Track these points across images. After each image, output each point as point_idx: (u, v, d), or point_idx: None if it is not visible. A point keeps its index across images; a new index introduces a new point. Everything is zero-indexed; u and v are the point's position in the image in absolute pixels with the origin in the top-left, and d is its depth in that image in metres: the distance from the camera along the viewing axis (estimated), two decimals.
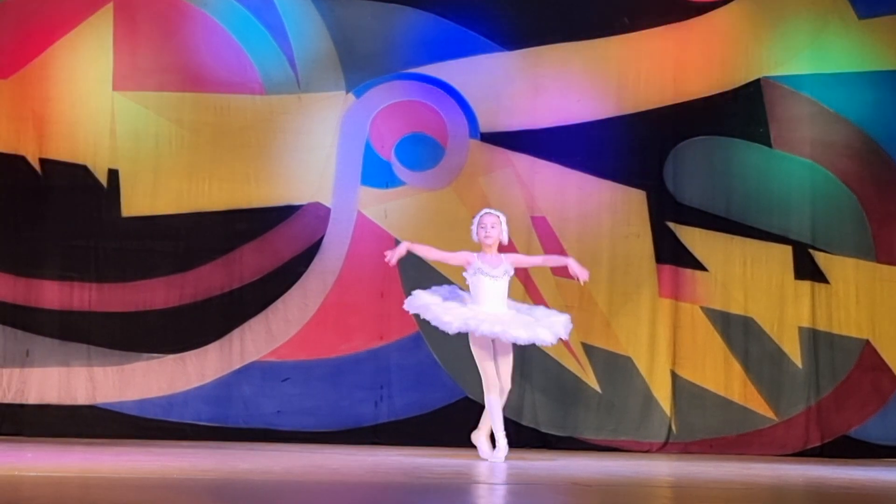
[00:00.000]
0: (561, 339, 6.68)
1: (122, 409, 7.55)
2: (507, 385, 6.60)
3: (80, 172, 7.64)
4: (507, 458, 6.52)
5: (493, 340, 6.45)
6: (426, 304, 6.54)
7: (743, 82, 8.11)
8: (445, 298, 6.61)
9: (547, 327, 6.53)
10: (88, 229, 7.63)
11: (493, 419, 6.54)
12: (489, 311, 6.50)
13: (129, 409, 7.55)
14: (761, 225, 8.06)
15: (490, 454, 6.55)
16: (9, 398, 7.49)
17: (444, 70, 7.93)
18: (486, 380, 6.51)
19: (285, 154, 7.83)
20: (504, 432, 6.55)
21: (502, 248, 6.77)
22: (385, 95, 7.89)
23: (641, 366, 7.90)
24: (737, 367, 7.94)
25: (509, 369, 6.58)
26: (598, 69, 8.06)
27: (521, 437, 7.73)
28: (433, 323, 6.55)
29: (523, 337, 6.44)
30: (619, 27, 8.07)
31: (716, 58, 8.11)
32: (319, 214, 7.79)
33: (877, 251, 8.08)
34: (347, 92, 7.87)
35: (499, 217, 6.72)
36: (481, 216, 6.73)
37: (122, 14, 7.69)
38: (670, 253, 7.99)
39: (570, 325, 6.65)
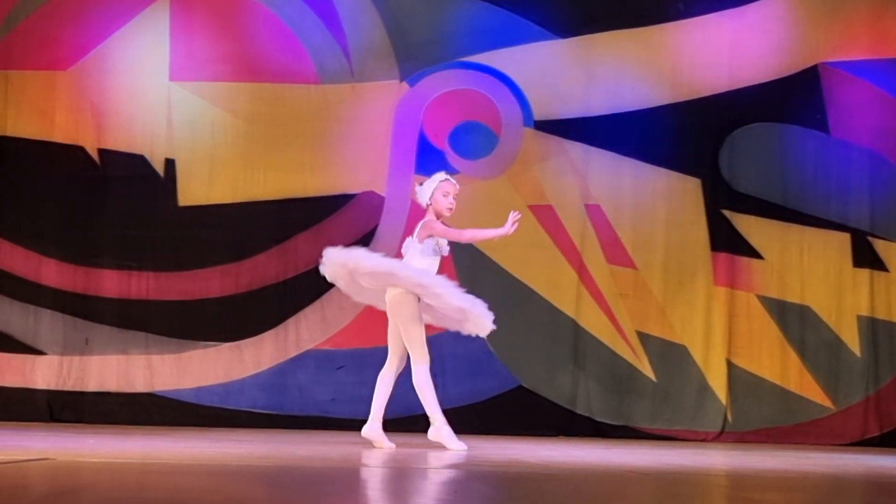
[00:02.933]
0: None
1: (179, 396, 7.64)
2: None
3: (137, 162, 7.73)
4: (560, 445, 6.48)
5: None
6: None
7: (800, 68, 8.01)
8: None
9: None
10: (146, 219, 7.73)
11: (427, 397, 5.98)
12: None
13: (187, 396, 7.64)
14: (819, 212, 7.97)
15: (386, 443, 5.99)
16: (69, 385, 7.61)
17: (497, 58, 7.92)
18: (422, 349, 5.97)
19: (339, 143, 7.86)
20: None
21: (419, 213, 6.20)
22: (439, 84, 7.90)
23: (696, 354, 7.85)
24: (793, 356, 7.86)
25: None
26: (653, 56, 8.00)
27: (576, 425, 7.72)
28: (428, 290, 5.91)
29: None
30: (674, 14, 8.00)
31: (772, 44, 8.01)
32: (373, 203, 7.81)
33: None
34: (401, 81, 7.88)
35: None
36: (448, 182, 6.06)
37: (178, 5, 7.77)
38: (725, 241, 7.92)
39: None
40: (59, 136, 7.73)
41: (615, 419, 7.78)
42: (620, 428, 7.75)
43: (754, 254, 7.94)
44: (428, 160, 7.87)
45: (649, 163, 7.95)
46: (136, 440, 5.92)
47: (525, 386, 7.77)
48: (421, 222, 6.03)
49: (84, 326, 7.65)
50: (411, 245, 6.00)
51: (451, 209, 6.03)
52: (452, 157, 7.88)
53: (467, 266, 7.78)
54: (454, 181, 6.09)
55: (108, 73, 7.76)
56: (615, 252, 7.87)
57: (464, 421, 7.62)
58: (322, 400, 7.71)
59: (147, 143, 7.75)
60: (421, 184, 6.10)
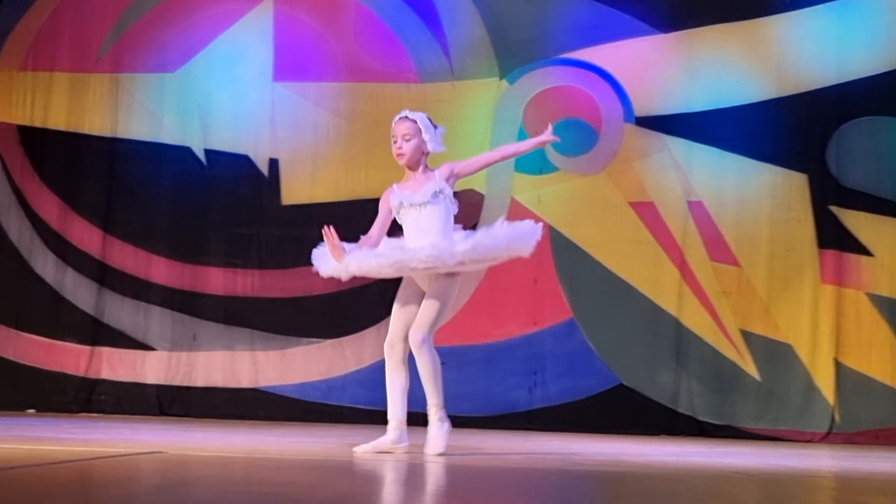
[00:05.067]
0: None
1: (283, 392, 7.76)
2: (412, 344, 4.90)
3: (242, 162, 7.89)
4: (662, 444, 6.40)
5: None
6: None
7: None
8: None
9: (437, 247, 4.81)
10: (250, 217, 7.87)
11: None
12: (402, 245, 4.92)
13: (290, 392, 7.75)
14: None
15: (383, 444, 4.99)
16: (178, 380, 7.80)
17: (597, 54, 7.87)
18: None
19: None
20: (396, 423, 5.02)
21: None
22: (538, 81, 7.88)
23: (803, 353, 7.69)
24: None
25: (418, 318, 4.89)
26: (757, 50, 7.86)
27: (677, 424, 7.64)
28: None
29: (388, 265, 4.81)
30: (780, 6, 7.85)
31: (881, 35, 7.80)
32: (473, 201, 7.83)
33: None
34: (501, 79, 7.88)
35: (415, 121, 5.00)
36: (393, 123, 5.05)
37: (281, 7, 7.90)
38: (833, 238, 7.74)
39: (448, 252, 4.78)
40: (167, 137, 7.93)
41: (718, 419, 7.67)
42: (724, 427, 7.63)
43: (863, 251, 7.74)
44: (527, 157, 7.84)
45: (753, 158, 7.82)
46: (242, 434, 6.03)
47: (626, 384, 7.71)
48: (444, 168, 5.00)
49: (191, 323, 7.83)
50: (451, 209, 4.95)
51: (396, 155, 5.04)
52: (552, 155, 7.85)
53: (568, 264, 7.75)
54: (395, 118, 5.08)
55: (213, 74, 7.94)
56: (718, 249, 7.76)
57: (563, 419, 7.62)
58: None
59: (251, 143, 7.90)
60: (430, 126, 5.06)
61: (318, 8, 7.97)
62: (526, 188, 7.85)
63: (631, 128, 7.85)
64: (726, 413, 7.67)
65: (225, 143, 7.91)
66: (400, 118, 5.03)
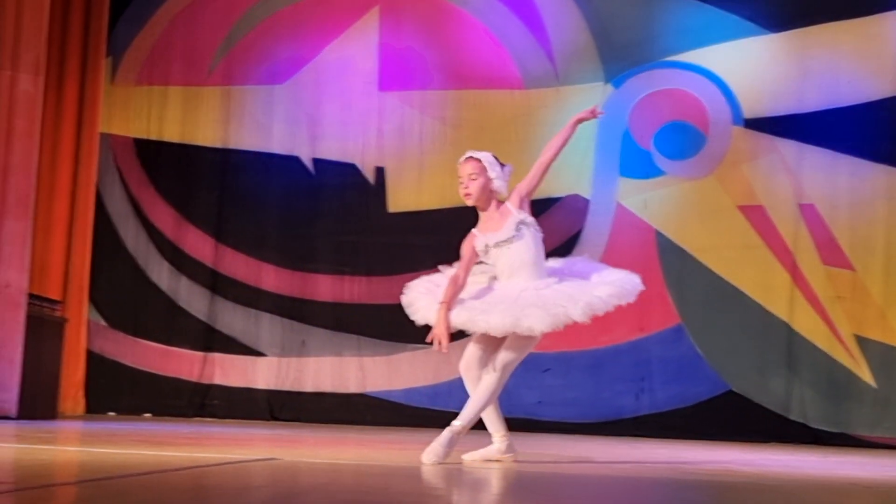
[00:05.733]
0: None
1: (389, 397, 7.83)
2: (497, 368, 4.79)
3: (349, 171, 7.99)
4: (774, 452, 6.27)
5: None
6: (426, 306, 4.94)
7: None
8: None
9: (550, 310, 4.63)
10: (357, 225, 7.97)
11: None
12: (501, 290, 4.78)
13: (397, 397, 7.82)
14: None
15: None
16: (287, 386, 7.93)
17: (704, 56, 7.76)
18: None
19: (544, 146, 7.86)
20: (459, 421, 4.78)
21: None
22: (644, 85, 7.80)
23: None
24: None
25: (504, 347, 4.79)
26: (872, 48, 7.66)
27: (789, 432, 7.49)
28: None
29: (499, 325, 4.61)
30: (891, 2, 7.64)
31: None
32: (578, 206, 7.79)
33: None
34: (606, 83, 7.83)
35: (479, 160, 4.94)
36: (459, 164, 4.98)
37: (387, 17, 7.98)
38: None
39: (570, 313, 4.66)
40: (277, 147, 8.08)
41: (832, 426, 7.49)
42: (838, 436, 7.45)
43: None
44: (633, 161, 7.79)
45: (868, 159, 7.62)
46: (350, 441, 6.10)
47: (735, 391, 7.58)
48: (514, 195, 4.89)
49: (301, 329, 7.95)
50: (540, 238, 4.82)
51: (463, 196, 4.94)
52: (658, 159, 7.77)
53: (675, 269, 7.66)
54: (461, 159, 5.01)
55: (321, 85, 8.06)
56: (831, 253, 7.58)
57: (672, 425, 7.53)
58: (529, 402, 7.75)
59: (358, 151, 8.00)
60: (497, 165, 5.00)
61: (422, 17, 8.02)
62: (631, 193, 7.78)
63: (739, 130, 7.72)
64: (840, 420, 7.49)
65: (332, 152, 8.02)
66: (465, 158, 4.99)
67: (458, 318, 4.76)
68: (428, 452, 4.69)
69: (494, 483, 4.15)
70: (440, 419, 7.68)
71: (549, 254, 7.29)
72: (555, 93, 7.88)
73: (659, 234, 7.61)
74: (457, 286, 4.85)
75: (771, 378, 7.58)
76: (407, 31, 8.02)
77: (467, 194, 4.90)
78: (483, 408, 4.81)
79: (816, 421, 7.52)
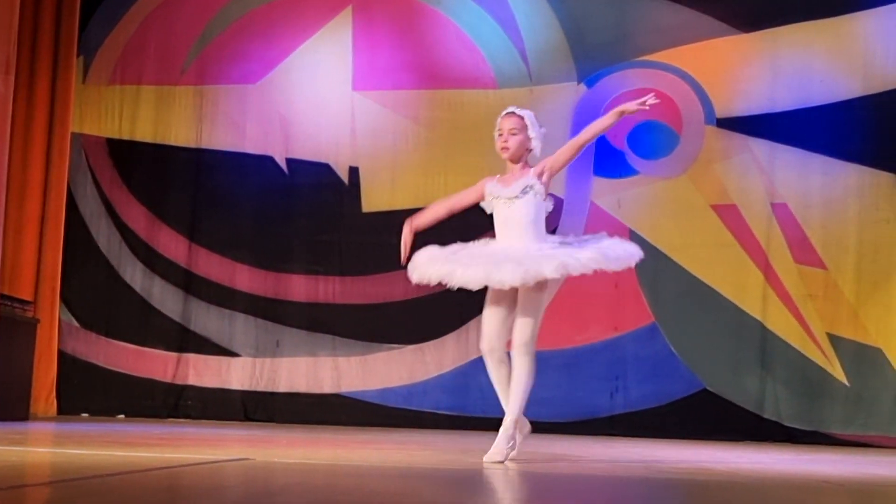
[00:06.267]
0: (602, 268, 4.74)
1: (364, 397, 7.83)
2: (514, 350, 4.83)
3: (323, 170, 7.98)
4: (747, 451, 6.30)
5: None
6: (423, 262, 4.96)
7: None
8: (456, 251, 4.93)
9: (532, 261, 4.69)
10: (332, 225, 7.96)
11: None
12: (489, 248, 4.89)
13: (372, 397, 7.81)
14: None
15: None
16: (262, 386, 7.91)
17: (677, 56, 7.79)
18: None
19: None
20: (506, 418, 4.84)
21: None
22: (617, 84, 7.83)
23: (893, 357, 7.52)
24: None
25: (517, 327, 4.81)
26: (843, 48, 7.71)
27: (763, 430, 7.53)
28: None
29: (472, 278, 4.68)
30: (864, 2, 7.69)
31: None
32: (553, 206, 7.78)
33: None
34: (579, 82, 7.85)
35: (522, 118, 5.00)
36: (500, 118, 5.03)
37: (360, 16, 7.97)
38: None
39: (581, 263, 4.71)
40: (250, 146, 8.06)
41: (805, 424, 7.53)
42: (811, 433, 7.49)
43: None
44: (607, 161, 7.82)
45: (840, 158, 7.67)
46: (324, 441, 6.09)
47: (709, 389, 7.62)
48: (539, 164, 4.95)
49: (275, 329, 7.93)
50: (542, 206, 4.91)
51: (500, 149, 5.00)
52: (632, 158, 7.80)
53: (649, 268, 7.67)
54: (502, 113, 5.08)
55: (294, 85, 8.04)
56: (803, 252, 7.63)
57: (646, 424, 7.55)
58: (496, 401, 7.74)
59: (332, 151, 7.99)
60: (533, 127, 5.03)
61: (395, 17, 8.02)
62: (605, 192, 7.81)
63: (712, 130, 7.76)
64: (814, 419, 7.54)
65: (306, 152, 8.01)
66: (507, 113, 5.04)
67: (440, 271, 4.85)
68: (491, 454, 4.75)
69: (468, 482, 4.15)
70: (415, 419, 7.74)
71: None
72: (528, 93, 7.89)
73: (633, 233, 7.63)
74: (440, 205, 5.10)
75: (745, 376, 7.62)
76: (380, 31, 8.01)
77: (505, 147, 4.96)
78: (527, 393, 4.85)
79: (790, 419, 7.56)
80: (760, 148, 7.72)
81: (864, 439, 7.43)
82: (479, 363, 7.80)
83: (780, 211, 7.68)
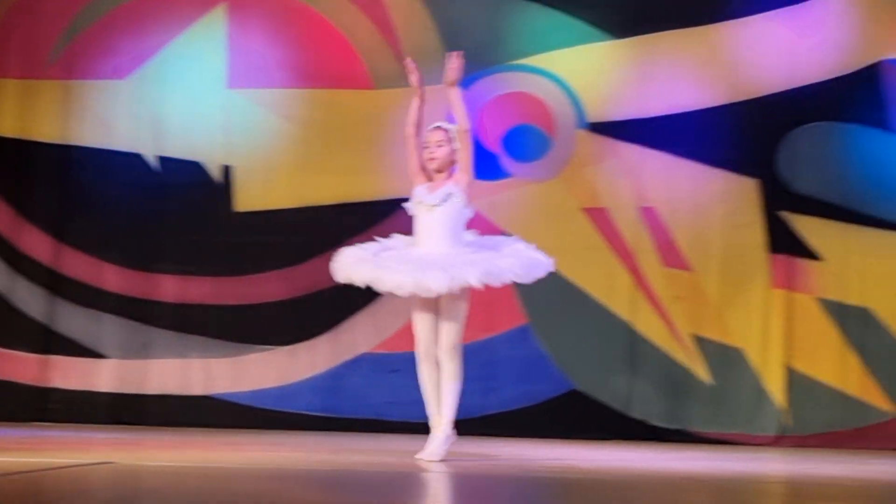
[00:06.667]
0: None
1: (236, 399, 7.73)
2: (442, 354, 5.22)
3: (195, 169, 7.85)
4: (615, 449, 6.43)
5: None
6: (351, 265, 5.26)
7: (861, 66, 7.88)
8: (379, 253, 5.28)
9: (456, 268, 5.05)
10: (204, 224, 7.84)
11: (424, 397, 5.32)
12: (413, 253, 5.22)
13: (243, 399, 7.73)
14: (880, 213, 7.83)
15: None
16: (130, 388, 7.75)
17: (550, 60, 7.90)
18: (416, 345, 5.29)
19: (394, 147, 7.88)
20: (443, 420, 5.27)
21: None
22: (492, 87, 7.90)
23: (753, 358, 7.76)
24: (854, 360, 7.74)
25: (443, 332, 5.19)
26: (710, 56, 7.93)
27: (631, 429, 7.69)
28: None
29: (401, 285, 5.02)
30: (732, 11, 7.92)
31: (832, 41, 7.90)
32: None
33: None
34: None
35: (448, 130, 5.44)
36: (427, 132, 5.45)
37: (234, 13, 7.87)
38: (784, 243, 7.83)
39: (497, 271, 5.14)
40: (119, 143, 7.88)
41: (671, 423, 7.72)
42: (676, 432, 7.69)
43: (813, 256, 7.83)
44: (481, 163, 7.80)
45: (706, 164, 7.88)
46: (195, 444, 6.00)
47: (579, 389, 7.75)
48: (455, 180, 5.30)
49: (144, 331, 7.78)
50: (462, 213, 5.28)
51: (427, 160, 5.42)
52: (506, 161, 7.88)
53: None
54: (429, 127, 5.49)
55: (165, 81, 7.89)
56: (671, 255, 7.82)
57: (517, 424, 7.65)
58: (377, 403, 7.76)
59: (204, 149, 7.86)
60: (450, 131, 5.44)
61: (271, 15, 7.94)
62: (479, 194, 7.81)
63: (584, 134, 7.89)
64: (678, 417, 7.73)
65: (178, 149, 7.87)
66: (434, 127, 5.45)
67: (367, 276, 5.18)
68: (429, 452, 5.17)
69: (338, 483, 4.14)
70: (288, 421, 7.68)
71: None
72: (404, 93, 7.87)
73: (505, 236, 7.70)
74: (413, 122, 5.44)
75: (613, 377, 7.77)
76: (255, 28, 7.92)
77: (432, 159, 5.37)
78: (458, 395, 5.26)
79: (656, 418, 7.74)
80: (630, 152, 7.88)
81: (726, 437, 7.66)
82: (352, 364, 7.83)
83: (649, 215, 7.85)
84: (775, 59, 7.89)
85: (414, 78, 5.55)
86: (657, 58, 7.91)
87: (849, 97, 7.87)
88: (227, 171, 7.86)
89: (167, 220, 7.83)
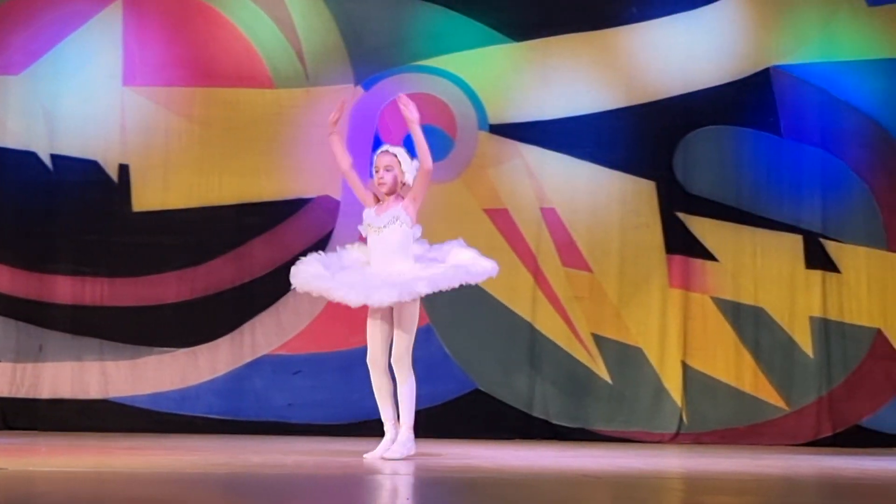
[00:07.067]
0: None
1: (134, 402, 7.59)
2: (393, 363, 5.67)
3: (90, 168, 7.68)
4: (517, 448, 6.49)
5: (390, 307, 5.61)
6: (310, 277, 5.63)
7: (752, 71, 8.09)
8: (330, 266, 5.67)
9: (397, 285, 5.49)
10: (100, 224, 7.67)
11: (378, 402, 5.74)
12: (366, 272, 5.63)
13: (142, 402, 7.59)
14: (772, 214, 8.05)
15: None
16: (22, 393, 7.54)
17: (452, 62, 7.93)
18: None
19: (295, 147, 7.84)
20: (402, 424, 5.69)
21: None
22: (394, 88, 7.89)
23: (652, 356, 7.90)
24: (748, 358, 7.94)
25: (394, 342, 5.65)
26: (608, 60, 8.05)
27: (532, 428, 7.76)
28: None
29: (351, 298, 5.48)
30: (629, 17, 8.06)
31: (725, 47, 8.09)
32: (329, 207, 7.80)
33: (888, 240, 8.06)
34: (356, 85, 7.87)
35: (395, 155, 5.78)
36: (375, 155, 5.82)
37: (131, 9, 7.72)
38: (680, 243, 7.99)
39: (432, 282, 5.54)
40: (11, 141, 7.67)
41: (572, 422, 7.82)
42: (577, 430, 7.78)
43: (709, 256, 8.01)
44: None
45: (605, 166, 8.00)
46: (90, 448, 5.88)
47: (481, 389, 7.79)
48: (403, 205, 5.72)
49: (37, 333, 7.58)
50: (409, 233, 5.67)
51: (378, 184, 5.81)
52: None
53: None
54: (378, 150, 5.90)
55: (60, 77, 7.70)
56: (571, 255, 7.91)
57: (420, 424, 7.63)
58: (278, 405, 7.70)
59: (100, 148, 7.70)
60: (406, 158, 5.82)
61: (169, 12, 7.81)
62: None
63: (485, 135, 7.94)
64: (579, 416, 7.83)
65: (73, 148, 7.68)
66: (382, 151, 5.78)
67: (321, 287, 5.59)
68: (393, 451, 5.55)
69: (234, 485, 4.10)
70: (187, 424, 7.56)
71: (302, 253, 7.38)
72: (305, 93, 7.86)
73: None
74: (346, 158, 5.85)
75: (515, 376, 7.83)
76: (153, 25, 7.78)
77: (382, 183, 5.70)
78: (414, 400, 5.64)
79: (557, 417, 7.83)
80: (531, 154, 7.96)
81: (626, 435, 7.78)
82: (253, 366, 7.75)
83: (549, 215, 7.93)
84: (671, 63, 8.05)
85: (335, 116, 5.86)
86: (557, 61, 8.01)
87: (742, 102, 8.07)
88: (123, 170, 7.71)
89: (62, 220, 7.65)
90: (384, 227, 5.64)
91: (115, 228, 7.68)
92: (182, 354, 7.66)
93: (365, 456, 5.59)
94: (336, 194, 7.82)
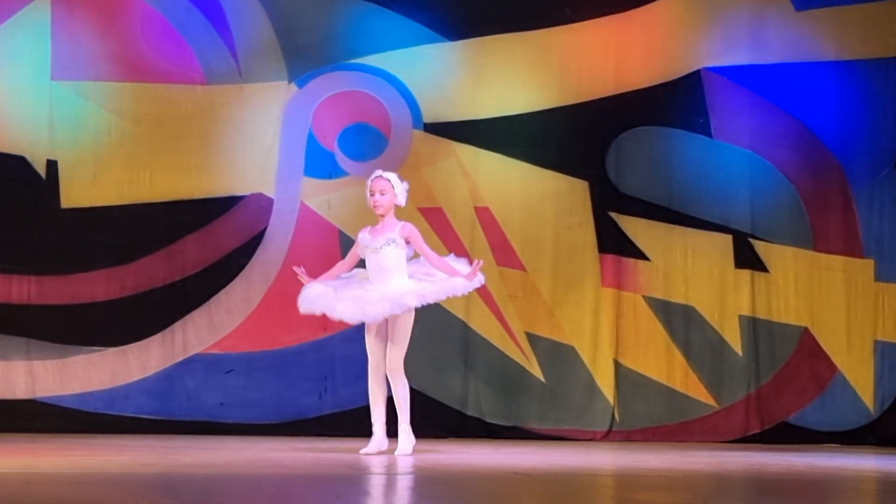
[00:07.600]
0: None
1: (62, 402, 7.46)
2: (387, 372, 6.20)
3: (18, 164, 7.53)
4: (451, 447, 6.52)
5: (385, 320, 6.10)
6: (314, 297, 6.14)
7: (683, 73, 8.19)
8: (338, 288, 6.13)
9: (389, 299, 5.97)
10: (27, 221, 7.53)
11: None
12: (364, 289, 6.10)
13: (70, 402, 7.47)
14: (702, 214, 8.16)
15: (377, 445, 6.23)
16: None
17: (386, 60, 7.92)
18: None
19: (227, 145, 7.77)
20: (378, 424, 6.25)
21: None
22: (328, 86, 7.87)
23: (585, 355, 7.97)
24: (678, 356, 8.04)
25: (388, 353, 6.16)
26: (541, 60, 8.09)
27: (466, 427, 7.78)
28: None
29: (349, 314, 6.00)
30: (561, 17, 8.11)
31: (656, 48, 8.18)
32: (262, 205, 7.75)
33: (814, 240, 8.22)
34: (290, 82, 7.83)
35: (389, 180, 6.16)
36: (370, 180, 6.20)
37: (60, 2, 7.58)
38: (613, 243, 8.06)
39: (415, 298, 6.02)
40: None
41: (505, 420, 7.85)
42: (510, 429, 7.82)
43: (640, 255, 8.09)
44: (317, 162, 7.84)
45: (538, 165, 8.04)
46: (16, 449, 5.77)
47: (415, 388, 7.75)
48: (406, 227, 6.17)
49: None
50: (403, 254, 6.11)
51: (372, 206, 6.22)
52: (342, 159, 7.86)
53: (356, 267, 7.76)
54: (372, 175, 6.26)
55: None
56: (504, 254, 7.94)
57: (355, 423, 7.62)
58: (210, 405, 7.62)
59: (28, 144, 7.55)
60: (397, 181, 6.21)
61: (99, 5, 7.68)
62: (315, 192, 7.82)
63: (419, 134, 7.94)
64: (513, 414, 7.87)
65: None
66: (376, 177, 6.16)
67: (324, 306, 6.06)
68: (401, 449, 6.07)
69: (160, 487, 4.05)
70: (117, 424, 7.45)
71: (235, 251, 7.31)
72: (238, 90, 7.79)
73: (342, 234, 7.70)
74: (338, 269, 6.26)
75: (448, 375, 7.84)
76: (82, 19, 7.64)
77: (378, 205, 6.12)
78: (408, 402, 6.19)
79: (491, 415, 7.86)
80: (465, 153, 7.97)
81: (559, 433, 7.84)
82: (184, 365, 7.66)
83: (483, 214, 7.96)
84: (604, 64, 8.12)
85: (304, 279, 6.21)
86: (491, 60, 8.04)
87: (672, 103, 8.18)
88: (52, 166, 7.57)
89: None
90: (380, 248, 6.07)
91: (43, 226, 7.54)
92: (112, 353, 7.56)
93: (361, 451, 6.08)
94: (269, 192, 7.77)
